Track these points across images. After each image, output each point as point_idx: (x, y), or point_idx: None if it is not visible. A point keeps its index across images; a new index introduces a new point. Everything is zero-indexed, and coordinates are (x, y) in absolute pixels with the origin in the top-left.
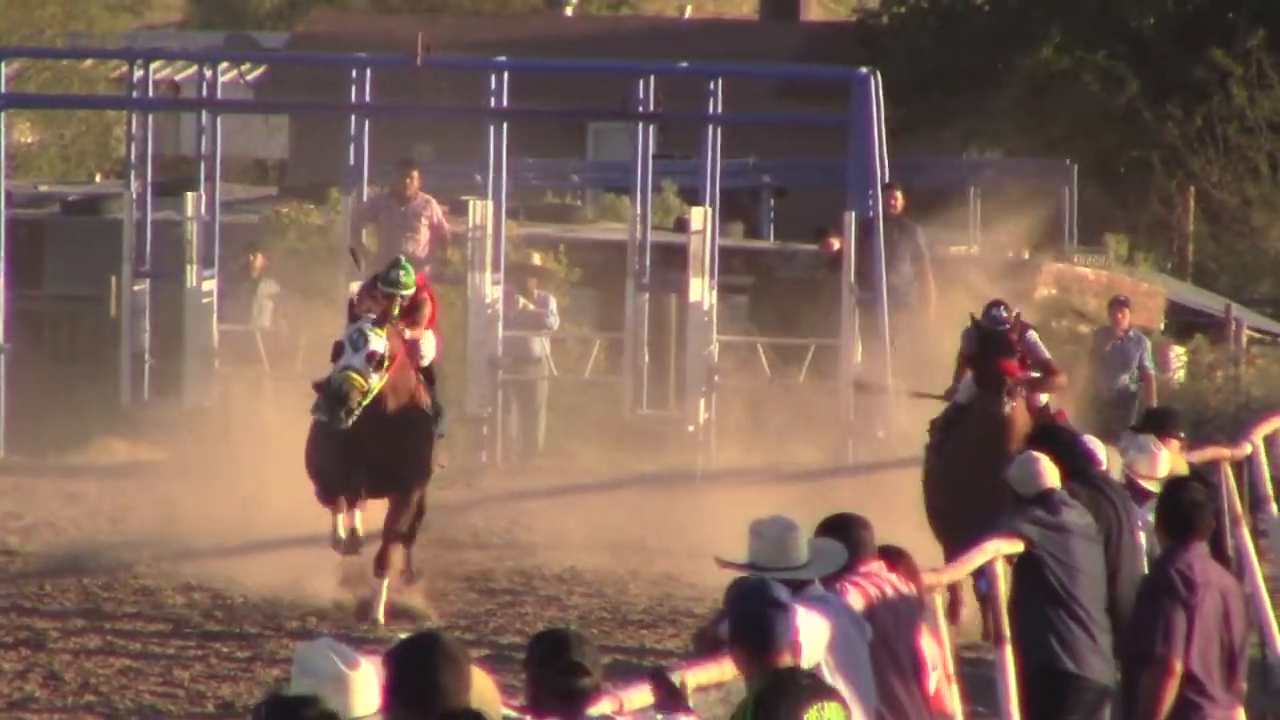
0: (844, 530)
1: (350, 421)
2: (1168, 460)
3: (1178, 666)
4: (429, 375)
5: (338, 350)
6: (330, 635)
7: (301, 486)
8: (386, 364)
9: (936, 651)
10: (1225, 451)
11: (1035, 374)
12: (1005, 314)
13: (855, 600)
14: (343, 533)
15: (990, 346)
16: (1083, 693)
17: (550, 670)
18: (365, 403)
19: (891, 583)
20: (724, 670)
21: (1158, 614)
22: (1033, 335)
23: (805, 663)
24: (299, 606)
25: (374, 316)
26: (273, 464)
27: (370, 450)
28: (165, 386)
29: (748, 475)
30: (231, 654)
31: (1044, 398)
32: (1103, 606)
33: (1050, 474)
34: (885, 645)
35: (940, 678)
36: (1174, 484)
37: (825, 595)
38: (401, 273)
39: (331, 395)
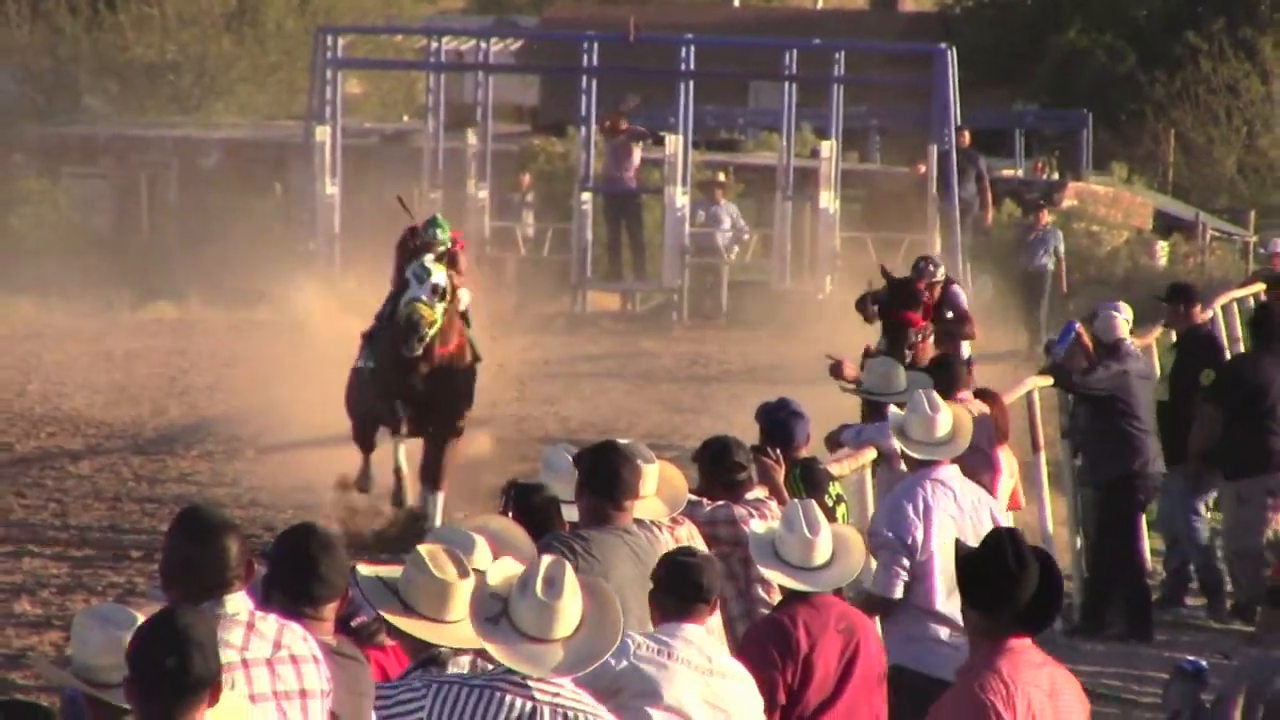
0: (945, 367)
1: (420, 349)
2: (1125, 325)
3: None
4: (465, 318)
5: (398, 289)
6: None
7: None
8: (448, 296)
9: (1014, 462)
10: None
11: (954, 323)
12: (933, 267)
13: None
14: (372, 473)
15: (898, 298)
16: (1149, 479)
17: (719, 467)
18: (433, 333)
19: (977, 406)
20: (842, 467)
21: None
22: (956, 288)
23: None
24: (555, 416)
25: (433, 254)
26: (524, 320)
27: (422, 388)
28: None
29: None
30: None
31: (965, 346)
32: (1154, 423)
33: (1123, 327)
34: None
35: (1017, 483)
36: None
37: None
38: (438, 229)
39: (403, 324)
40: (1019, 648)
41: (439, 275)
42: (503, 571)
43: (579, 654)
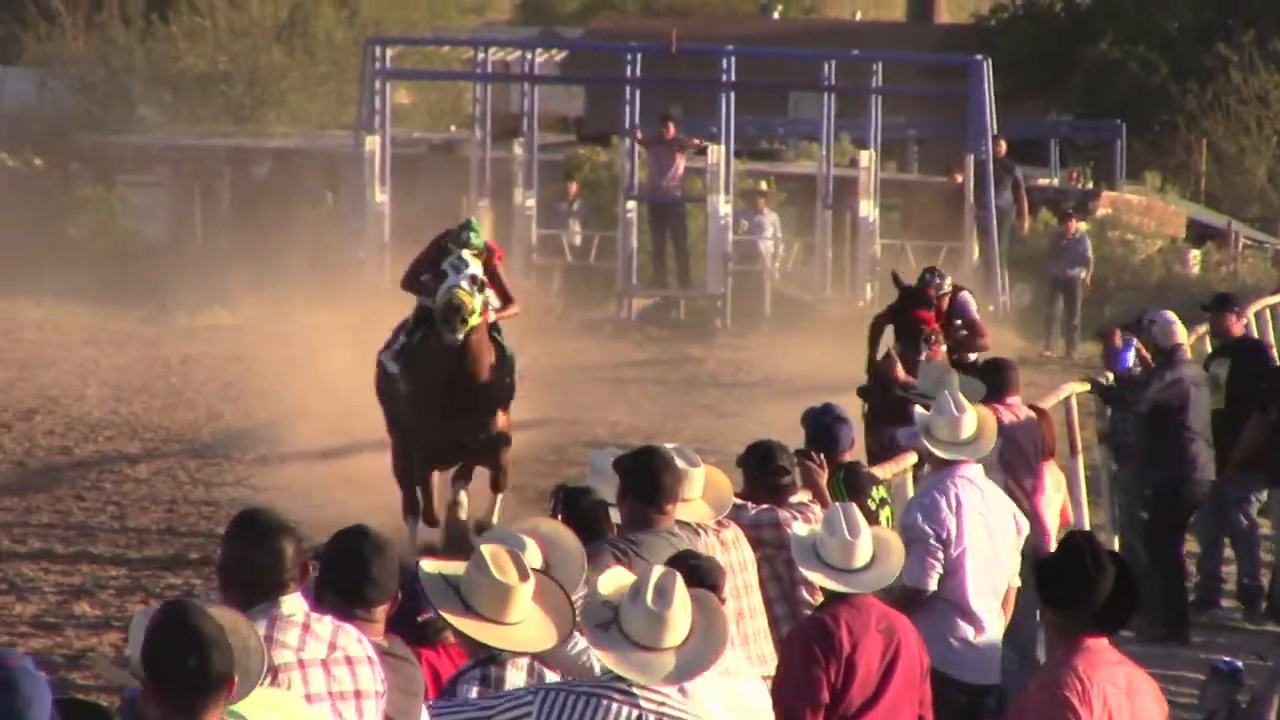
0: (997, 371)
1: (462, 335)
2: (1183, 330)
3: None
4: (496, 324)
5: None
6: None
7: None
8: (485, 286)
9: (1061, 477)
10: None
11: (963, 332)
12: (939, 279)
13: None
14: (438, 515)
15: (909, 300)
16: (1197, 486)
17: (763, 471)
18: (474, 321)
19: (1025, 411)
20: (885, 471)
21: None
22: (965, 296)
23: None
24: (602, 421)
25: (472, 250)
26: (567, 318)
27: (457, 413)
28: None
29: None
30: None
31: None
32: (1209, 431)
33: (1181, 332)
34: (1014, 450)
35: (1065, 498)
36: None
37: None
38: (472, 233)
39: (444, 309)
40: (1095, 647)
41: (476, 267)
42: (614, 580)
43: (688, 663)
